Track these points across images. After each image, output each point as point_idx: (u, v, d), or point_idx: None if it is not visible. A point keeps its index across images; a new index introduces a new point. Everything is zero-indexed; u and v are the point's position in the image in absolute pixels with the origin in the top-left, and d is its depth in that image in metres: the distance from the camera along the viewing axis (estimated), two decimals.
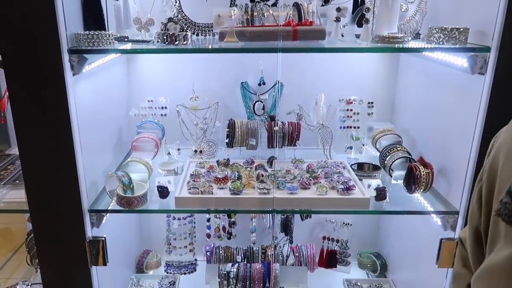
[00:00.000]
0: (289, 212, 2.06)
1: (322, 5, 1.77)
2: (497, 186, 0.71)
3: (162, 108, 2.05)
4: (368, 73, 2.17)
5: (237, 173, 1.77)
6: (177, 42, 1.49)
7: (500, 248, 0.65)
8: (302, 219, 2.24)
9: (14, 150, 2.15)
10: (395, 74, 2.17)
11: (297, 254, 2.20)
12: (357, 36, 1.64)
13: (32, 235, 1.86)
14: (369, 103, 2.04)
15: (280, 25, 1.57)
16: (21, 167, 1.47)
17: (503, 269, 0.62)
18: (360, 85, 2.14)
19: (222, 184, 1.71)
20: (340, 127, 2.04)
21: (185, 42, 1.50)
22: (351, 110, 2.04)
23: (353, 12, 1.69)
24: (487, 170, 0.75)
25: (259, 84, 2.06)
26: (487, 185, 0.75)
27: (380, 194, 1.66)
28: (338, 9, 1.55)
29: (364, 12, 1.52)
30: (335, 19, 1.57)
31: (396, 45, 1.51)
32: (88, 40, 1.44)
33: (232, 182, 1.70)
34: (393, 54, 2.12)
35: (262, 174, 1.75)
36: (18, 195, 1.73)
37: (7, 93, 1.59)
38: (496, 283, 0.64)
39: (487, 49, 1.37)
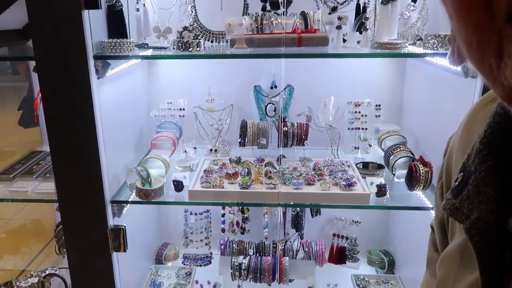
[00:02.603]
0: (294, 206, 2.17)
1: (329, 13, 1.88)
2: (452, 184, 0.77)
3: (180, 109, 2.18)
4: (376, 77, 2.25)
5: (247, 170, 1.89)
6: (190, 49, 1.63)
7: (456, 238, 0.71)
8: (312, 216, 2.34)
9: (46, 147, 2.33)
10: (402, 78, 2.25)
11: (306, 249, 2.30)
12: (359, 42, 1.74)
13: (61, 226, 2.03)
14: (376, 105, 2.12)
15: (284, 33, 1.69)
16: (51, 162, 1.62)
17: (453, 256, 0.69)
18: (368, 88, 2.23)
19: (232, 179, 1.84)
20: (348, 129, 2.13)
21: (198, 49, 1.64)
22: (359, 112, 2.12)
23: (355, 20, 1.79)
24: (445, 169, 0.81)
25: (271, 87, 2.18)
26: (446, 183, 0.80)
27: (381, 190, 1.75)
28: (339, 18, 1.66)
29: (363, 21, 1.63)
30: (336, 26, 1.68)
31: (400, 50, 1.60)
32: (112, 47, 1.59)
33: (241, 177, 1.83)
34: (400, 59, 2.20)
35: (270, 170, 1.87)
36: (48, 187, 1.90)
37: (40, 94, 1.77)
38: (450, 269, 0.70)
39: None
